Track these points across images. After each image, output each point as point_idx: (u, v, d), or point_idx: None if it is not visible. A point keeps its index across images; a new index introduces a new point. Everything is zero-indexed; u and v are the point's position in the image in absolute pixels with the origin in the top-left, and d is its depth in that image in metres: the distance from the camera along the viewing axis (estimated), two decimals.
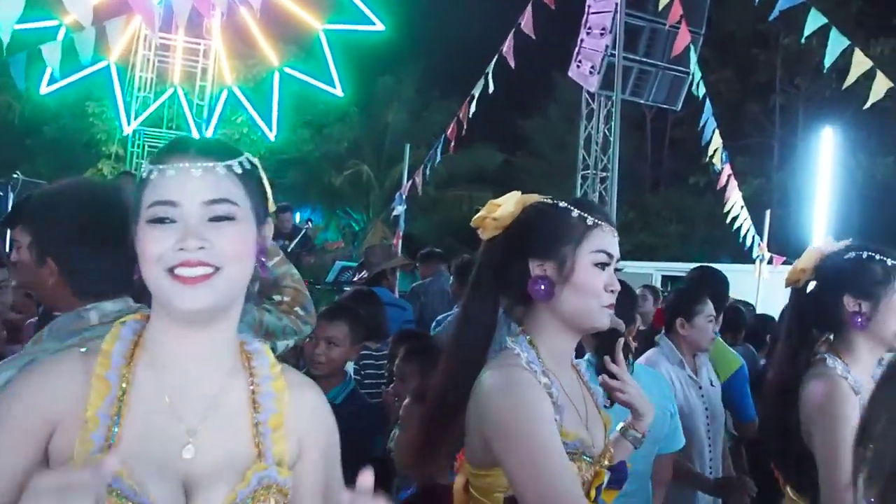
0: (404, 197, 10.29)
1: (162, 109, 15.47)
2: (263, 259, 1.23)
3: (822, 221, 13.14)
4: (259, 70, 16.55)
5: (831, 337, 2.17)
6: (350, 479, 1.05)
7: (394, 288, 5.54)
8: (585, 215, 1.64)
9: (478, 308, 1.71)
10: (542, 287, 1.62)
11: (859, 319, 2.05)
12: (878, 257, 2.06)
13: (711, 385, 3.41)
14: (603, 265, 1.62)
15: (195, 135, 14.68)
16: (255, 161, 1.26)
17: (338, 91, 16.07)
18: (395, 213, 10.71)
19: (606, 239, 1.64)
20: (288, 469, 1.22)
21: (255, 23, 14.94)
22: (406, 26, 17.27)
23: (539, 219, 1.67)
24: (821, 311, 2.14)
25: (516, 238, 1.68)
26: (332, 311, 3.15)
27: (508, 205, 1.71)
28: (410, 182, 10.35)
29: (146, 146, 15.56)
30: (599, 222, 1.64)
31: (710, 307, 3.38)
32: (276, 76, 15.95)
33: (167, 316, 1.18)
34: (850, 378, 2.02)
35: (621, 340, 1.83)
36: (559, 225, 1.64)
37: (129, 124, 15.16)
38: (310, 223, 9.75)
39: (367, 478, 0.98)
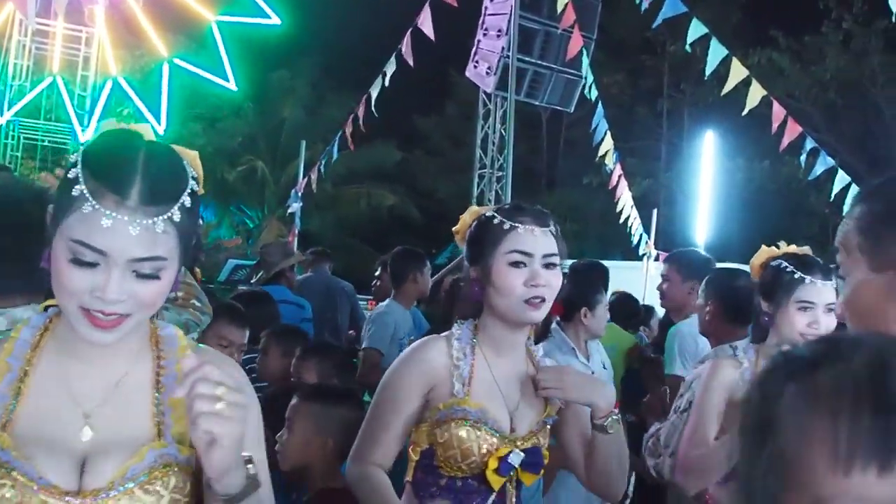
0: (300, 194, 10.15)
1: (39, 99, 14.70)
2: (177, 284, 1.21)
3: (704, 221, 13.74)
4: (147, 61, 15.97)
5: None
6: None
7: (293, 285, 5.46)
8: (503, 220, 1.84)
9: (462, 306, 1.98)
10: (476, 289, 1.87)
11: (766, 319, 2.33)
12: (788, 268, 2.32)
13: (604, 368, 3.55)
14: (518, 263, 1.80)
15: (78, 129, 14.04)
16: (198, 186, 1.18)
17: (231, 84, 15.68)
18: (290, 209, 10.56)
19: (522, 238, 1.81)
20: (191, 448, 1.17)
21: (141, 11, 14.39)
22: (302, 20, 17.02)
23: (475, 229, 1.92)
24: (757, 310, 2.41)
25: (465, 248, 1.95)
26: (227, 312, 3.08)
27: (465, 218, 1.96)
28: (306, 179, 10.23)
29: (21, 138, 14.77)
30: (516, 225, 1.82)
31: (606, 296, 3.65)
32: (166, 67, 15.42)
33: None
34: (748, 368, 2.29)
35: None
36: (483, 232, 1.87)
37: (1, 114, 14.34)
38: (201, 220, 9.48)
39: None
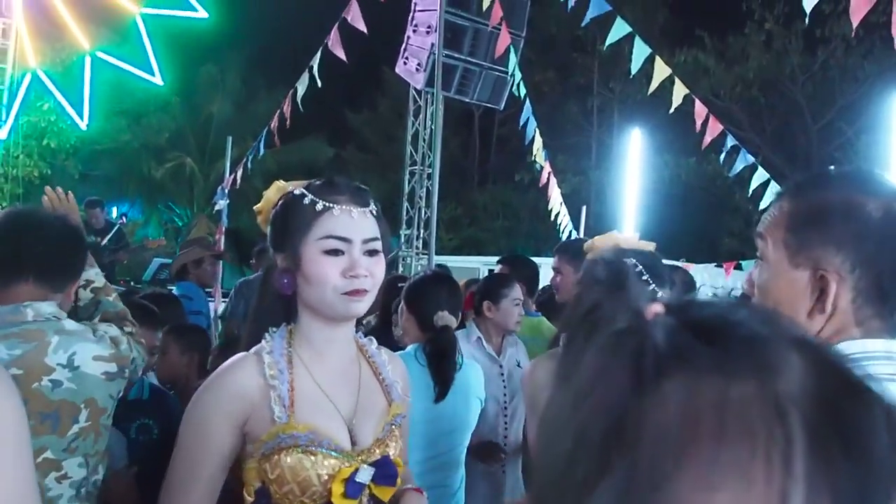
0: (227, 191, 9.97)
1: None
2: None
3: (632, 216, 14.02)
4: (68, 53, 15.44)
5: None
6: None
7: (204, 280, 5.33)
8: (316, 200, 1.55)
9: (257, 305, 1.72)
10: (285, 280, 1.58)
11: None
12: (644, 276, 2.13)
13: (518, 366, 3.54)
14: (335, 251, 1.53)
15: None
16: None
17: (157, 79, 15.26)
18: (217, 207, 10.37)
19: (338, 222, 1.54)
20: None
21: (62, 1, 13.91)
22: (230, 13, 16.70)
23: (280, 209, 1.61)
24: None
25: (269, 232, 1.64)
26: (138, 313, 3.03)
27: (269, 195, 1.65)
28: (233, 176, 10.06)
29: None
30: (331, 205, 1.54)
31: (515, 291, 3.54)
32: (88, 61, 14.93)
33: None
34: None
35: None
36: (291, 214, 1.57)
37: None
38: (124, 218, 9.24)
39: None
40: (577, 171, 21.55)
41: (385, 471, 1.58)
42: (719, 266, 9.96)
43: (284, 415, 1.51)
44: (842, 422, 0.47)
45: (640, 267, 2.14)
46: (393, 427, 1.67)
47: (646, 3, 20.55)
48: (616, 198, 18.01)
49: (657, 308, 0.53)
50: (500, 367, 3.48)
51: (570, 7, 7.44)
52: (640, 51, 6.92)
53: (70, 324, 2.00)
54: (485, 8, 8.29)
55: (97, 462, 2.05)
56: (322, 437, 1.53)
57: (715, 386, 0.48)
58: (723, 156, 8.09)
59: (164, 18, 14.89)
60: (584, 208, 11.68)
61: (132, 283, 8.58)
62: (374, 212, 1.61)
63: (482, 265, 14.08)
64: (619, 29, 6.81)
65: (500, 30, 8.48)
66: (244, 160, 10.31)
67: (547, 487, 0.53)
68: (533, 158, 10.78)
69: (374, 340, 1.77)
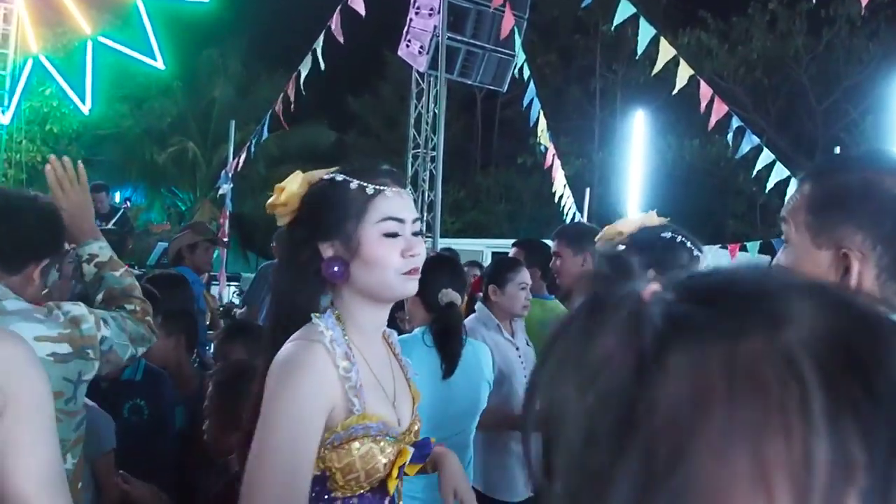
0: (230, 175, 9.97)
1: None
2: None
3: (636, 199, 13.97)
4: (70, 39, 15.39)
5: None
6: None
7: (199, 265, 5.33)
8: (365, 184, 1.54)
9: (287, 293, 1.64)
10: (336, 269, 1.55)
11: None
12: (687, 244, 2.16)
13: (527, 345, 3.55)
14: (393, 234, 1.54)
15: None
16: None
17: (158, 63, 15.23)
18: (221, 191, 10.37)
19: (393, 204, 1.55)
20: None
21: None
22: None
23: (320, 197, 1.59)
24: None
25: (303, 221, 1.61)
26: None
27: (292, 185, 1.63)
28: (236, 160, 10.05)
29: None
30: (381, 188, 1.55)
31: (522, 275, 3.48)
32: (90, 46, 14.89)
33: None
34: None
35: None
36: (339, 200, 1.55)
37: None
38: (128, 203, 9.25)
39: None
40: (581, 154, 21.51)
41: (422, 451, 1.64)
42: (724, 248, 9.94)
43: (359, 405, 1.50)
44: (861, 361, 0.44)
45: (681, 236, 2.13)
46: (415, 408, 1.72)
47: None
48: (619, 180, 17.96)
49: (654, 287, 0.51)
50: (518, 349, 3.48)
51: None
52: (645, 32, 6.89)
53: (12, 304, 1.84)
54: None
55: (63, 451, 1.91)
56: (390, 427, 1.55)
57: (719, 350, 0.45)
58: (730, 136, 8.04)
59: (165, 3, 14.84)
60: (587, 191, 11.66)
61: (136, 268, 8.60)
62: (410, 193, 1.64)
63: (486, 248, 14.09)
64: (624, 10, 6.78)
65: (503, 11, 8.44)
66: (248, 144, 10.30)
67: (570, 486, 0.49)
68: (537, 140, 10.76)
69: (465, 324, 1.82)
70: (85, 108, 15.29)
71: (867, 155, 1.29)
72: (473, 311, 3.60)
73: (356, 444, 1.49)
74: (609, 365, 0.48)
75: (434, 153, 11.33)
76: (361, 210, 1.54)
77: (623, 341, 0.48)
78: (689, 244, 2.14)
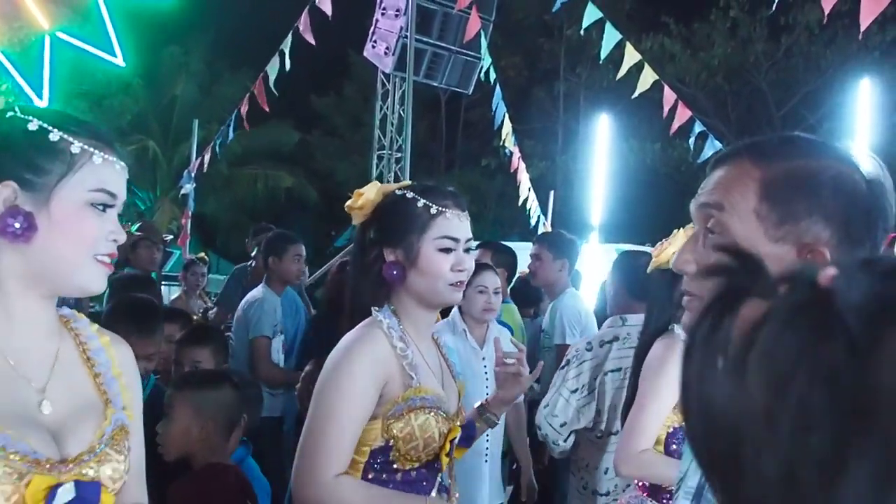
0: (193, 174, 9.83)
1: None
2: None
3: (599, 201, 14.09)
4: (27, 33, 15.05)
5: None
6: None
7: (141, 265, 5.27)
8: (430, 204, 1.81)
9: (354, 285, 1.93)
10: (395, 272, 1.82)
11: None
12: None
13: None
14: (448, 249, 1.81)
15: None
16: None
17: (119, 60, 14.90)
18: (183, 191, 10.23)
19: (451, 224, 1.82)
20: (131, 412, 1.36)
21: None
22: None
23: (391, 208, 1.86)
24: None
25: (374, 226, 1.89)
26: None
27: (369, 193, 1.88)
28: (199, 159, 9.92)
29: None
30: (443, 209, 1.82)
31: (481, 278, 3.39)
32: (47, 41, 14.58)
33: None
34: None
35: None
36: (406, 214, 1.82)
37: None
38: None
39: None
40: (544, 157, 21.60)
41: (468, 432, 1.90)
42: None
43: (416, 380, 1.76)
44: None
45: None
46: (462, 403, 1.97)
47: None
48: (582, 183, 18.09)
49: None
50: (483, 359, 3.38)
51: None
52: (610, 36, 6.94)
53: None
54: None
55: None
56: (442, 401, 1.81)
57: None
58: (692, 141, 8.14)
59: None
60: (551, 193, 11.73)
61: None
62: (468, 216, 1.89)
63: None
64: (591, 14, 6.82)
65: (469, 14, 8.44)
66: (211, 144, 10.17)
67: (789, 473, 0.46)
68: (502, 143, 10.79)
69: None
70: (41, 105, 14.97)
71: (824, 143, 1.10)
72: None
73: (414, 415, 1.73)
74: (810, 359, 0.46)
75: (399, 154, 11.31)
76: (424, 226, 1.82)
77: (822, 331, 0.46)
78: None
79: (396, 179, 10.99)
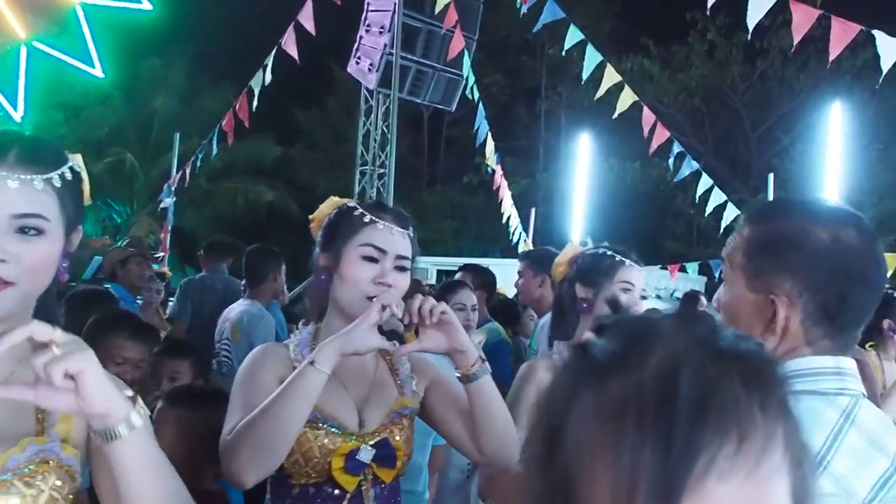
0: (173, 188, 9.78)
1: None
2: (64, 265, 1.25)
3: (579, 219, 14.19)
4: (3, 42, 14.92)
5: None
6: None
7: (131, 280, 5.22)
8: (364, 212, 1.79)
9: (310, 293, 1.98)
10: (323, 277, 1.81)
11: (584, 305, 2.34)
12: (608, 252, 2.37)
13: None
14: (371, 258, 1.75)
15: None
16: (79, 166, 1.27)
17: (97, 71, 14.77)
18: (163, 205, 10.16)
19: (380, 234, 1.77)
20: (74, 448, 1.22)
21: None
22: (175, 7, 16.35)
23: (332, 218, 1.87)
24: (567, 300, 2.42)
25: (321, 235, 1.89)
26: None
27: (323, 207, 1.91)
28: (180, 173, 9.87)
29: None
30: (376, 220, 1.78)
31: (459, 295, 3.68)
32: (24, 51, 14.45)
33: None
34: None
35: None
36: (341, 221, 1.82)
37: None
38: None
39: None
40: (525, 174, 21.73)
41: (385, 452, 1.75)
42: (664, 268, 10.16)
43: None
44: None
45: (606, 249, 2.40)
46: (401, 416, 1.83)
47: (595, 10, 20.82)
48: (563, 200, 18.19)
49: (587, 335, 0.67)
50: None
51: (522, 13, 7.50)
52: (592, 57, 7.02)
53: None
54: (437, 11, 8.28)
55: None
56: (326, 416, 1.71)
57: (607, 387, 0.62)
58: (671, 161, 8.25)
59: (106, 9, 14.49)
60: (533, 210, 11.79)
61: (71, 282, 8.35)
62: (411, 235, 1.84)
63: (431, 265, 14.08)
64: (573, 35, 6.90)
65: (453, 32, 8.50)
66: (193, 158, 10.12)
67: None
68: (484, 161, 10.85)
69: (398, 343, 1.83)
70: (17, 115, 14.76)
71: (805, 203, 1.31)
72: None
73: None
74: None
75: (382, 170, 11.32)
76: (352, 232, 1.78)
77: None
78: (609, 252, 2.37)
79: (379, 195, 10.98)
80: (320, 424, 1.70)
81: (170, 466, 1.19)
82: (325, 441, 1.70)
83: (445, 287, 3.85)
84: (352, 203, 1.86)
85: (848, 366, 1.24)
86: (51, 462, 1.18)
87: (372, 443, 1.73)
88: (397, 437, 1.80)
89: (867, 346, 3.64)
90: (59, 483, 1.18)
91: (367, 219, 1.78)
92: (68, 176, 1.21)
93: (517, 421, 2.03)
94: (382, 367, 1.90)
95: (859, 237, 1.22)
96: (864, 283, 1.22)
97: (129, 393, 1.13)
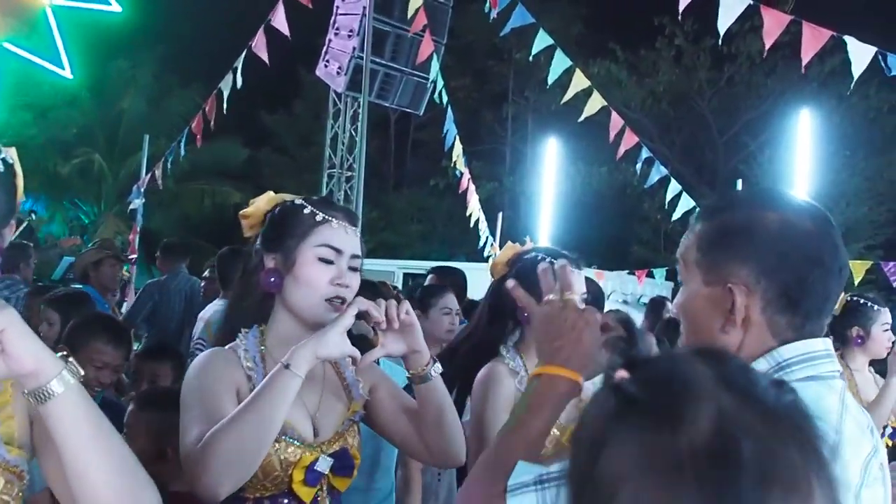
0: (142, 190, 9.73)
1: None
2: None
3: (546, 223, 14.31)
4: None
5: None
6: None
7: (104, 283, 5.22)
8: (316, 211, 1.71)
9: (235, 299, 1.86)
10: (272, 279, 1.70)
11: (525, 315, 2.30)
12: (545, 257, 2.23)
13: None
14: (327, 260, 1.69)
15: None
16: (12, 158, 1.21)
17: (66, 72, 14.67)
18: (132, 206, 10.11)
19: (335, 234, 1.71)
20: (19, 448, 1.18)
21: None
22: (144, 9, 16.24)
23: (277, 215, 1.77)
24: (509, 304, 2.29)
25: (262, 234, 1.78)
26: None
27: (260, 203, 1.80)
28: (150, 175, 9.82)
29: None
30: (329, 218, 1.71)
31: (445, 300, 3.60)
32: None
33: None
34: (515, 363, 2.24)
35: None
36: (289, 220, 1.73)
37: None
38: (33, 214, 8.90)
39: None
40: (492, 178, 21.81)
41: (343, 462, 1.70)
42: (631, 273, 10.31)
43: None
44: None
45: (547, 256, 2.23)
46: (353, 423, 1.79)
47: (562, 15, 20.97)
48: (529, 205, 18.31)
49: (622, 373, 0.71)
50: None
51: (492, 17, 7.59)
52: (560, 62, 7.12)
53: None
54: (409, 15, 8.34)
55: None
56: (286, 427, 1.62)
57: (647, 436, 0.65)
58: (639, 166, 8.36)
59: (75, 11, 14.35)
60: (500, 215, 11.89)
61: (39, 282, 8.29)
62: (358, 233, 1.77)
63: (397, 269, 14.13)
64: (541, 40, 7.00)
65: (422, 36, 8.57)
66: (163, 160, 10.08)
67: None
68: (452, 164, 10.92)
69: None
70: None
71: (752, 193, 1.33)
72: None
73: None
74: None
75: (350, 173, 11.36)
76: (306, 232, 1.70)
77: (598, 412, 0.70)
78: (547, 258, 2.21)
79: (346, 198, 11.03)
80: (280, 436, 1.61)
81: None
82: (286, 453, 1.63)
83: (428, 291, 3.74)
84: (297, 200, 1.77)
85: (831, 347, 1.25)
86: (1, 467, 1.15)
87: (329, 452, 1.69)
88: (353, 445, 1.76)
89: None
90: (7, 484, 1.15)
91: (319, 217, 1.71)
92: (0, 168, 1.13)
93: (487, 423, 2.10)
94: (330, 372, 1.83)
95: (813, 222, 1.23)
96: (822, 266, 1.21)
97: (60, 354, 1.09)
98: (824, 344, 1.23)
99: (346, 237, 1.73)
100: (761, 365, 1.19)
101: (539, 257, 2.26)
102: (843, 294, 3.33)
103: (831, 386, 1.19)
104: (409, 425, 1.81)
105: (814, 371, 1.19)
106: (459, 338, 2.56)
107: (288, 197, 1.81)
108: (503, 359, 2.26)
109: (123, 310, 6.76)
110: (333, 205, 1.80)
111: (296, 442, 1.65)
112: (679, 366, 0.68)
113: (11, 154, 1.21)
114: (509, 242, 2.48)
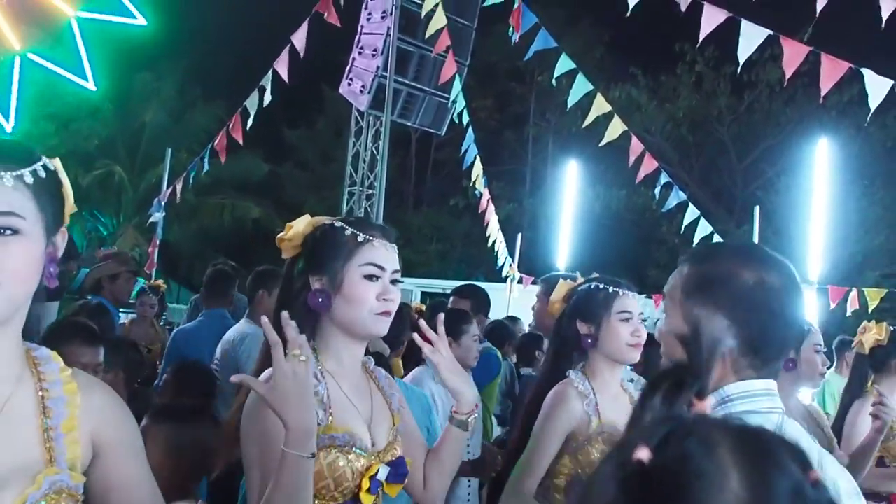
0: (163, 203, 9.78)
1: None
2: (52, 270, 1.20)
3: (565, 245, 14.24)
4: None
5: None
6: None
7: (119, 296, 5.20)
8: (357, 232, 1.80)
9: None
10: (320, 300, 1.78)
11: (589, 340, 2.44)
12: (601, 286, 2.47)
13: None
14: (372, 277, 1.78)
15: None
16: (55, 166, 1.21)
17: (90, 84, 14.80)
18: (152, 219, 10.15)
19: (377, 253, 1.80)
20: (80, 474, 1.21)
21: None
22: (170, 22, 16.41)
23: (319, 238, 1.84)
24: (571, 340, 2.51)
25: (303, 257, 1.86)
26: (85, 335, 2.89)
27: (299, 226, 1.87)
28: (171, 188, 9.87)
29: None
30: (370, 238, 1.80)
31: (475, 327, 3.63)
32: (17, 61, 14.45)
33: None
34: (584, 387, 2.41)
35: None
36: (332, 242, 1.81)
37: None
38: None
39: None
40: (512, 198, 21.83)
41: (398, 469, 1.80)
42: (649, 297, 10.24)
43: (325, 417, 1.72)
44: None
45: (596, 283, 2.54)
46: (398, 432, 1.90)
47: (585, 39, 21.04)
48: (548, 226, 18.26)
49: (643, 453, 0.69)
50: None
51: (514, 41, 7.61)
52: (581, 86, 7.12)
53: None
54: (427, 35, 8.37)
55: None
56: (356, 439, 1.75)
57: None
58: (657, 191, 8.34)
59: (100, 23, 14.50)
60: (519, 236, 11.86)
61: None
62: (396, 248, 1.87)
63: (416, 287, 14.12)
64: (564, 64, 7.00)
65: (445, 57, 8.59)
66: (185, 173, 10.13)
67: None
68: (472, 184, 10.92)
69: (373, 360, 1.98)
70: (8, 126, 14.73)
71: (737, 247, 1.57)
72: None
73: (323, 454, 1.66)
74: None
75: (370, 191, 11.38)
76: (350, 253, 1.80)
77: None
78: (602, 286, 2.47)
79: (366, 215, 11.03)
80: (350, 448, 1.72)
81: None
82: (358, 464, 1.72)
83: (457, 317, 3.66)
84: (336, 222, 1.85)
85: (773, 387, 1.41)
86: (63, 493, 1.17)
87: (387, 461, 1.78)
88: (403, 454, 1.86)
89: None
90: None
91: (360, 238, 1.80)
92: (41, 174, 1.15)
93: (542, 439, 2.28)
94: (373, 385, 1.93)
95: (780, 280, 1.40)
96: (782, 320, 1.40)
97: None
98: (765, 384, 1.40)
99: (386, 254, 1.82)
100: (710, 400, 1.31)
101: (592, 286, 2.46)
102: (884, 324, 3.48)
103: (767, 419, 1.35)
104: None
105: (752, 406, 1.36)
106: (528, 398, 2.63)
107: (326, 219, 1.88)
108: (573, 382, 2.42)
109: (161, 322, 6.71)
110: (371, 224, 1.88)
111: (363, 452, 1.75)
112: (702, 459, 0.67)
113: (55, 163, 1.22)
114: (561, 280, 2.62)
